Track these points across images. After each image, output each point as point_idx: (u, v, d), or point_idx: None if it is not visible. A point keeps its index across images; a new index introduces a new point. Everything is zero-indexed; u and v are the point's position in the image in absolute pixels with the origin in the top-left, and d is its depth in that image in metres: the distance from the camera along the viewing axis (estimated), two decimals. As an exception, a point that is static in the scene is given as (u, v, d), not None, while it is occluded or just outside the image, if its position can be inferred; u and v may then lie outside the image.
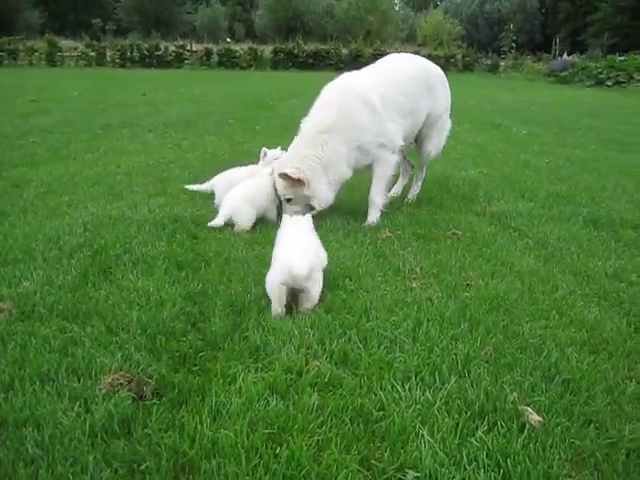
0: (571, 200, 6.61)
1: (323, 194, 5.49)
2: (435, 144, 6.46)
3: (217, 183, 5.98)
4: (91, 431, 2.47)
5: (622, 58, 33.71)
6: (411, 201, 6.33)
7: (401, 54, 6.68)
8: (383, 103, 5.61)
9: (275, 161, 5.77)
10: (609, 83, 30.40)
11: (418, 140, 6.44)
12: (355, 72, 5.97)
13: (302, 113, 5.74)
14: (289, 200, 5.48)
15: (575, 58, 39.31)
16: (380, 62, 6.23)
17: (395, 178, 6.35)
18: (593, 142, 11.73)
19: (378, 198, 5.74)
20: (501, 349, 3.24)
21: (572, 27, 73.20)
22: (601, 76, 31.32)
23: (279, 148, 6.11)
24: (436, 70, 6.37)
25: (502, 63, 45.04)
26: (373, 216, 5.70)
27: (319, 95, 5.74)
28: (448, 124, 6.59)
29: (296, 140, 5.64)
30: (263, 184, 5.57)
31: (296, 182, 5.33)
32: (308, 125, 5.63)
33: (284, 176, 5.30)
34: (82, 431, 2.45)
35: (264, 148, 6.18)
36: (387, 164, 5.71)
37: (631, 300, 3.99)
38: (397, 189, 6.74)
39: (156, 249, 4.58)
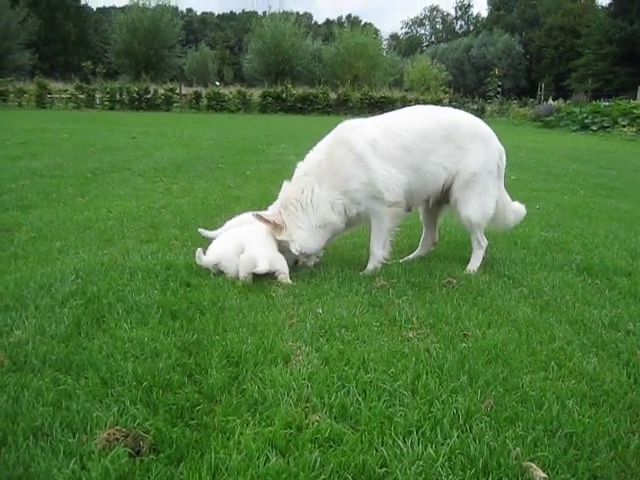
0: (564, 247, 6.61)
1: (301, 238, 5.44)
2: (474, 208, 5.72)
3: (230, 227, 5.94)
4: (87, 490, 2.41)
5: (607, 103, 34.20)
6: (470, 273, 5.76)
7: (427, 106, 6.27)
8: (375, 153, 5.47)
9: None
10: (594, 128, 30.75)
11: (452, 204, 5.88)
12: (358, 119, 5.90)
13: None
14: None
15: (560, 103, 39.82)
16: (395, 111, 6.05)
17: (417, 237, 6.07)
18: (581, 187, 11.81)
19: (377, 250, 5.67)
20: (502, 402, 3.19)
21: (556, 72, 74.52)
22: (586, 121, 31.71)
23: None
24: (467, 124, 5.84)
25: (488, 108, 45.51)
26: (370, 265, 5.65)
27: None
28: (492, 187, 5.84)
29: (285, 184, 5.67)
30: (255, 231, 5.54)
31: (274, 225, 5.36)
32: (298, 169, 5.66)
33: (257, 217, 5.35)
34: (78, 490, 2.39)
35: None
36: (381, 216, 5.59)
37: (629, 350, 3.95)
38: (408, 257, 6.29)
39: (149, 297, 4.53)
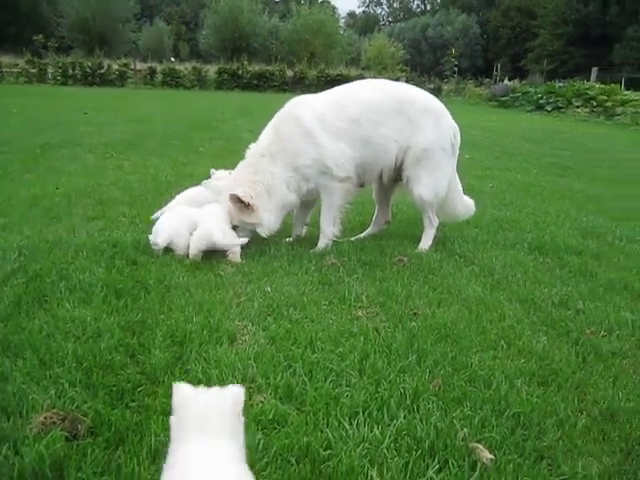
0: (516, 226, 6.62)
1: (268, 221, 5.39)
2: (426, 186, 5.66)
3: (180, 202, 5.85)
4: (20, 476, 2.31)
5: (561, 84, 34.48)
6: (422, 252, 5.66)
7: (379, 79, 6.21)
8: (324, 128, 5.41)
9: (218, 183, 5.69)
10: (549, 108, 30.94)
11: (404, 182, 5.80)
12: (307, 95, 5.85)
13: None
14: (235, 227, 5.36)
15: (516, 83, 40.03)
16: (345, 85, 5.96)
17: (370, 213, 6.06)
18: (534, 167, 11.87)
19: (327, 227, 5.61)
20: (450, 382, 3.17)
21: (512, 53, 74.99)
22: (541, 101, 31.88)
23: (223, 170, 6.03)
24: (421, 100, 5.76)
25: (445, 87, 45.56)
26: (321, 243, 5.60)
27: None
28: (446, 166, 5.80)
29: (240, 165, 5.57)
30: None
31: (245, 207, 5.25)
32: (252, 150, 5.57)
33: (234, 198, 5.20)
34: (10, 477, 2.30)
35: (212, 169, 6.14)
36: (331, 192, 5.54)
37: (578, 329, 3.97)
38: (360, 235, 6.19)
39: (94, 276, 4.41)
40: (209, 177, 6.01)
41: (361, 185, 5.86)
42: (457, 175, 6.10)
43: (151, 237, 5.07)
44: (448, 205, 6.05)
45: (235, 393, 2.09)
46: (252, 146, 5.60)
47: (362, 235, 6.17)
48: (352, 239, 5.97)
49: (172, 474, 1.88)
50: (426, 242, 5.82)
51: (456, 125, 5.90)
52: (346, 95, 5.66)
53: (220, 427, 1.96)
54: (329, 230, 5.62)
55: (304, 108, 5.54)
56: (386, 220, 6.34)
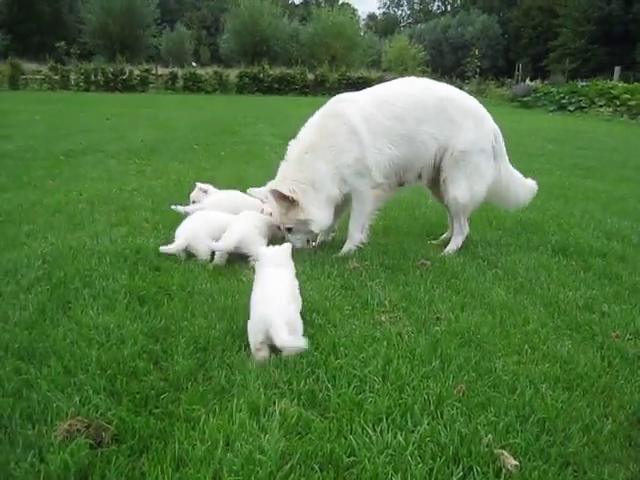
0: (539, 228, 6.58)
1: (318, 216, 5.37)
2: (462, 188, 5.62)
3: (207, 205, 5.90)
4: (45, 484, 2.33)
5: (584, 83, 34.25)
6: (448, 255, 5.65)
7: (420, 78, 6.18)
8: (369, 127, 5.40)
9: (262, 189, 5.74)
10: (571, 108, 30.77)
11: (441, 182, 5.75)
12: (352, 93, 5.83)
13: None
14: (289, 230, 5.41)
15: (537, 83, 39.83)
16: (386, 83, 5.98)
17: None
18: (558, 168, 11.77)
19: (356, 233, 5.62)
20: (474, 387, 3.15)
21: (534, 52, 74.57)
22: (563, 101, 31.70)
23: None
24: (461, 101, 5.75)
25: (466, 88, 45.31)
26: (347, 248, 5.59)
27: None
28: (485, 169, 5.70)
29: (283, 164, 5.54)
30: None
31: (290, 204, 5.25)
32: (293, 148, 5.56)
33: (277, 194, 5.21)
34: (35, 484, 2.32)
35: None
36: (364, 198, 5.54)
37: (604, 332, 3.93)
38: (442, 236, 6.19)
39: (117, 282, 4.44)
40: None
41: (400, 184, 5.86)
42: (512, 168, 6.10)
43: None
44: (511, 196, 6.06)
45: (286, 246, 4.05)
46: (292, 143, 5.59)
47: (443, 237, 6.21)
48: (434, 242, 6.08)
49: (258, 284, 3.76)
50: (452, 247, 5.79)
51: (497, 127, 5.89)
52: (391, 92, 5.67)
53: (281, 261, 3.91)
54: (357, 236, 5.62)
55: (350, 106, 5.53)
56: None
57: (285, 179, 5.39)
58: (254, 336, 3.41)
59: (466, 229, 5.86)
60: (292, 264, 4.02)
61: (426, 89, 5.71)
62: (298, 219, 5.33)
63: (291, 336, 3.30)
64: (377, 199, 5.63)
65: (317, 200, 5.37)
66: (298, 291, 3.89)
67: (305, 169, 5.38)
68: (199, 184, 6.22)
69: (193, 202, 6.10)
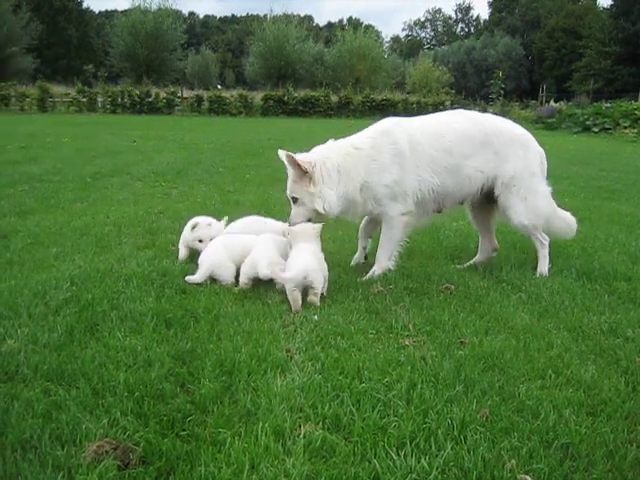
0: (563, 251, 6.56)
1: (328, 197, 5.31)
2: (522, 213, 5.75)
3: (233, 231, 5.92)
4: (74, 505, 2.37)
5: (608, 105, 34.10)
6: (543, 274, 5.77)
7: (467, 111, 6.26)
8: (413, 154, 5.46)
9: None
10: (595, 130, 30.59)
11: (501, 211, 5.90)
12: (402, 118, 5.90)
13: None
14: (295, 200, 5.37)
15: (562, 105, 39.71)
16: (436, 114, 6.05)
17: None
18: (582, 190, 11.72)
19: (383, 261, 5.62)
20: (497, 412, 3.15)
21: (558, 74, 74.49)
22: (588, 122, 31.52)
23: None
24: (507, 131, 5.85)
25: (490, 110, 45.31)
26: (373, 273, 5.58)
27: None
28: (540, 187, 5.87)
29: (321, 145, 5.60)
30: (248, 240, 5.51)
31: (303, 174, 5.23)
32: (339, 141, 5.63)
33: (291, 159, 5.20)
34: (65, 506, 2.36)
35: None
36: (394, 224, 5.56)
37: (628, 357, 3.91)
38: (469, 263, 6.22)
39: (144, 305, 4.50)
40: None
41: (439, 211, 5.91)
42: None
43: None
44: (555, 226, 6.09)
45: (316, 226, 5.18)
46: (337, 141, 5.64)
47: (471, 262, 6.22)
48: (459, 266, 6.07)
49: (293, 254, 5.01)
50: (543, 265, 5.88)
51: (542, 150, 6.02)
52: (442, 124, 5.74)
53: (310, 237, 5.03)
54: (385, 264, 5.62)
55: (401, 130, 5.58)
56: (493, 248, 6.31)
57: (315, 154, 5.42)
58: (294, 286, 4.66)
59: (546, 240, 5.92)
60: (318, 240, 5.22)
61: (473, 123, 5.78)
62: (307, 191, 5.27)
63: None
64: (407, 226, 5.64)
65: (335, 186, 5.33)
66: (323, 259, 5.07)
67: (343, 157, 5.40)
68: (200, 219, 5.94)
69: (200, 241, 5.78)
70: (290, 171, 5.35)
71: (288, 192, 5.44)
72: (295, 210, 5.41)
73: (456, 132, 5.65)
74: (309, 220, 5.41)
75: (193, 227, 5.81)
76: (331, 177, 5.33)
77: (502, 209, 5.83)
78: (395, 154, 5.43)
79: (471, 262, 6.20)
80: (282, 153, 5.32)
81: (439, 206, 5.80)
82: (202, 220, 5.90)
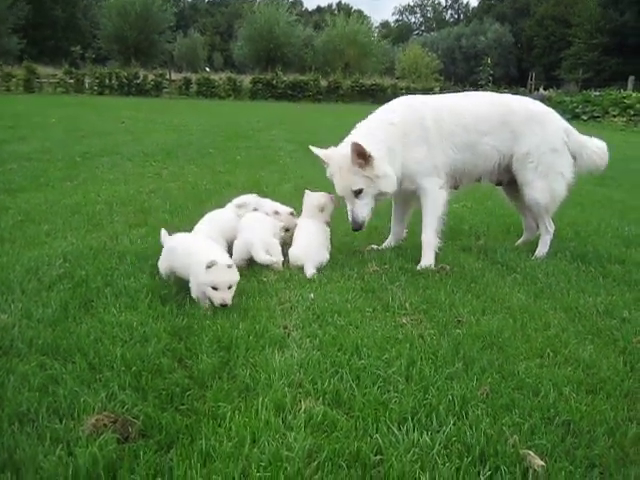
0: (557, 235, 6.51)
1: (391, 174, 5.17)
2: (540, 190, 5.71)
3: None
4: (75, 477, 2.33)
5: (597, 93, 34.16)
6: (541, 257, 5.77)
7: (486, 92, 6.28)
8: (437, 128, 5.46)
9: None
10: (585, 117, 30.65)
11: (519, 187, 5.86)
12: (422, 96, 5.95)
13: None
14: (358, 193, 5.13)
15: (551, 92, 39.75)
16: (457, 94, 6.11)
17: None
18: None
19: (431, 238, 5.46)
20: (498, 389, 3.15)
21: (547, 62, 74.51)
22: (577, 110, 31.58)
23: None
24: (524, 110, 5.81)
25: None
26: (427, 258, 5.41)
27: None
28: (560, 166, 5.77)
29: (362, 124, 5.50)
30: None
31: (365, 161, 5.02)
32: (373, 117, 5.56)
33: (358, 148, 4.94)
34: (65, 477, 2.32)
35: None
36: (435, 198, 5.47)
37: (625, 338, 3.91)
38: (518, 242, 6.32)
39: (139, 282, 4.47)
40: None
41: (455, 187, 5.92)
42: (581, 135, 6.10)
43: None
44: (585, 164, 6.07)
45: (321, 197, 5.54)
46: (366, 121, 5.54)
47: (519, 242, 6.31)
48: (517, 244, 6.23)
49: (298, 229, 5.36)
50: (542, 250, 5.88)
51: (567, 125, 5.96)
52: (461, 103, 5.80)
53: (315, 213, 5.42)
54: (433, 241, 5.48)
55: (424, 107, 5.59)
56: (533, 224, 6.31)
57: (363, 135, 5.28)
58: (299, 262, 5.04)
59: (552, 228, 5.92)
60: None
61: (491, 103, 5.82)
62: (373, 175, 5.05)
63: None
64: (446, 200, 5.56)
65: (392, 162, 5.22)
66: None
67: (387, 135, 5.29)
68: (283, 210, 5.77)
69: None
70: (344, 165, 5.09)
71: (347, 189, 5.16)
72: (359, 203, 5.16)
73: (474, 111, 5.67)
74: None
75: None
76: (387, 154, 5.20)
77: (520, 186, 5.81)
78: (422, 129, 5.42)
79: (519, 242, 6.29)
80: (354, 144, 5.01)
81: (456, 182, 5.82)
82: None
